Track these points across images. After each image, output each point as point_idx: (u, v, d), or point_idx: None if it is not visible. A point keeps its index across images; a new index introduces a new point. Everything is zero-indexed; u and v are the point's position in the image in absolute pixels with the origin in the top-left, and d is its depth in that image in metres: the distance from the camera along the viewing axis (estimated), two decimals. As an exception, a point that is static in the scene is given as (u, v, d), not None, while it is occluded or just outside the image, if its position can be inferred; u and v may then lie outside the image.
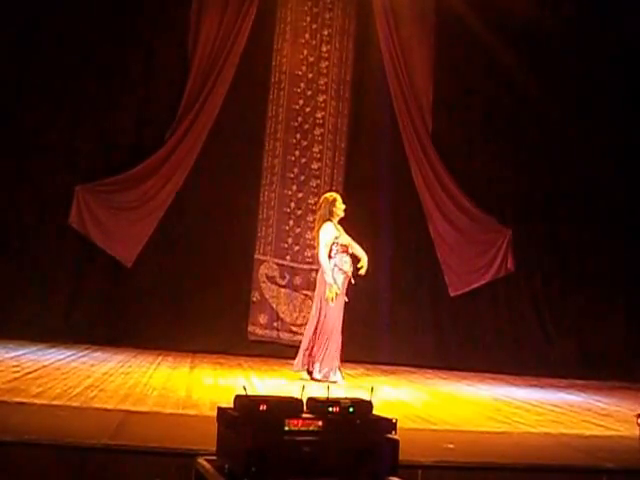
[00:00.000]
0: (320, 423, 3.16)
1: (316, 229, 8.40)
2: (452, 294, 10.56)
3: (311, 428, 3.15)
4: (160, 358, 8.99)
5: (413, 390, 8.10)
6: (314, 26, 10.67)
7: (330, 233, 8.21)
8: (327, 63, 10.69)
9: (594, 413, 7.13)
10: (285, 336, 10.31)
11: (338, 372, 8.13)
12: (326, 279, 8.15)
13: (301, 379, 7.94)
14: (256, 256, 10.42)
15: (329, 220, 8.25)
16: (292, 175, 10.57)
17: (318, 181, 10.61)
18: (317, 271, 8.89)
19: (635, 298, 10.74)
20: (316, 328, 8.19)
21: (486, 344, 10.54)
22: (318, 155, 10.62)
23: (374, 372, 9.42)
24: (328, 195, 8.56)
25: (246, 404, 3.19)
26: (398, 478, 3.23)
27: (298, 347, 8.53)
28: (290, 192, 10.56)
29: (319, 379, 8.00)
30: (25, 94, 9.79)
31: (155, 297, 10.11)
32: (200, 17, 10.25)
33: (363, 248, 8.40)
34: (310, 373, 8.16)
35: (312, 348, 8.18)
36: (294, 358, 8.61)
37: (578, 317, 10.81)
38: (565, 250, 10.90)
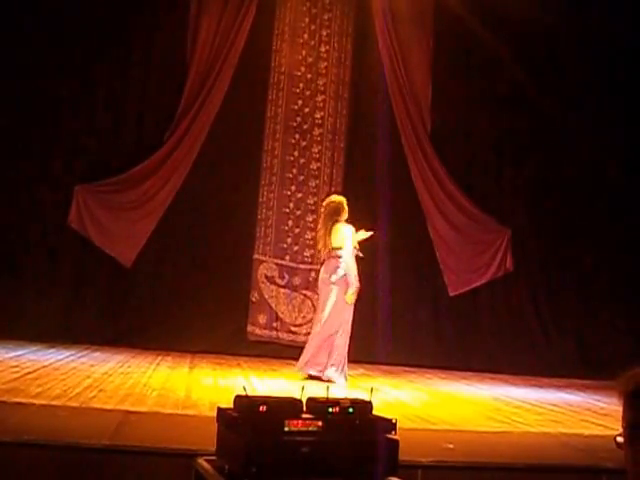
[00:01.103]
0: (320, 424, 3.16)
1: (331, 231, 8.26)
2: (451, 294, 10.57)
3: (311, 429, 3.15)
4: (159, 358, 8.98)
5: (412, 390, 8.10)
6: (313, 27, 10.67)
7: (352, 232, 8.24)
8: (326, 63, 10.68)
9: (593, 412, 7.13)
10: (284, 336, 10.31)
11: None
12: (351, 281, 8.12)
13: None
14: (255, 256, 10.42)
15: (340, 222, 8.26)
16: (291, 175, 10.57)
17: (317, 181, 10.61)
18: (316, 271, 8.90)
19: (635, 298, 10.73)
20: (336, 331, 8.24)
21: (485, 344, 10.54)
22: (317, 155, 10.62)
23: (374, 372, 9.42)
24: (336, 199, 8.50)
25: (246, 404, 3.19)
26: (398, 478, 3.23)
27: (297, 347, 8.54)
28: (289, 192, 10.56)
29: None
30: (25, 94, 9.77)
31: (154, 297, 10.11)
32: (199, 17, 10.25)
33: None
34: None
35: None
36: (293, 358, 8.62)
37: (577, 316, 10.81)
38: (564, 250, 10.90)
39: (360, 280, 8.31)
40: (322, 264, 8.55)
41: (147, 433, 4.77)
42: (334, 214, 8.30)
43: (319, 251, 8.55)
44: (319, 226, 8.63)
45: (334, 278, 8.22)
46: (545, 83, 10.80)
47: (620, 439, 2.02)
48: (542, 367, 10.32)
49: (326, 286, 8.30)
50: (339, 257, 8.22)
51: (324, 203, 8.67)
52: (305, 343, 8.76)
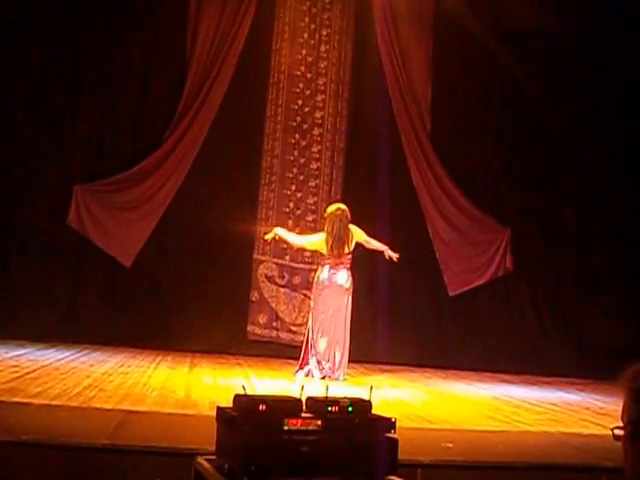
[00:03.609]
0: (319, 423, 3.16)
1: (349, 237, 8.47)
2: (451, 294, 10.57)
3: (310, 428, 3.15)
4: (159, 358, 8.98)
5: (412, 389, 8.11)
6: (313, 26, 10.67)
7: None
8: (326, 63, 10.69)
9: (593, 412, 7.13)
10: (284, 336, 10.31)
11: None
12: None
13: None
14: (255, 256, 10.42)
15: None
16: (291, 175, 10.57)
17: (317, 181, 10.61)
18: (315, 271, 8.92)
19: (634, 297, 10.74)
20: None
21: (485, 343, 10.54)
22: (317, 155, 10.62)
23: (373, 371, 9.43)
24: (342, 206, 8.59)
25: (245, 404, 3.19)
26: (397, 477, 3.23)
27: (297, 347, 8.57)
28: (289, 192, 10.56)
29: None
30: (24, 94, 9.78)
31: (154, 297, 10.11)
32: (199, 17, 10.25)
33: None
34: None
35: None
36: (293, 357, 8.64)
37: (577, 316, 10.82)
38: (564, 249, 10.90)
39: (357, 280, 8.67)
40: (331, 267, 8.55)
41: (147, 432, 4.78)
42: (348, 221, 8.47)
43: (331, 255, 8.53)
44: (333, 232, 8.48)
45: (349, 284, 8.54)
46: (545, 83, 10.80)
47: (618, 432, 1.99)
48: (541, 366, 10.33)
49: (344, 292, 8.52)
50: (349, 263, 8.54)
51: (338, 211, 8.53)
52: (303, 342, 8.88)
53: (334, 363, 8.37)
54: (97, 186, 9.92)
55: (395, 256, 8.76)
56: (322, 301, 8.52)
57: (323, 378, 8.17)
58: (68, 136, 9.94)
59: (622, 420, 1.99)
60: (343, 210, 8.54)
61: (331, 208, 8.69)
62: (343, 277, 8.51)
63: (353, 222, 8.58)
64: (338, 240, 8.45)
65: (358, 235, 8.57)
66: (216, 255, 10.19)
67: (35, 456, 4.12)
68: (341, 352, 8.44)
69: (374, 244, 8.77)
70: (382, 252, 8.82)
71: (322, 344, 8.43)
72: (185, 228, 10.20)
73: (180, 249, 10.20)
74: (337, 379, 8.24)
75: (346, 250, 8.51)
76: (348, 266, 8.56)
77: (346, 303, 8.53)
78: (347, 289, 8.53)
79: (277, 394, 3.91)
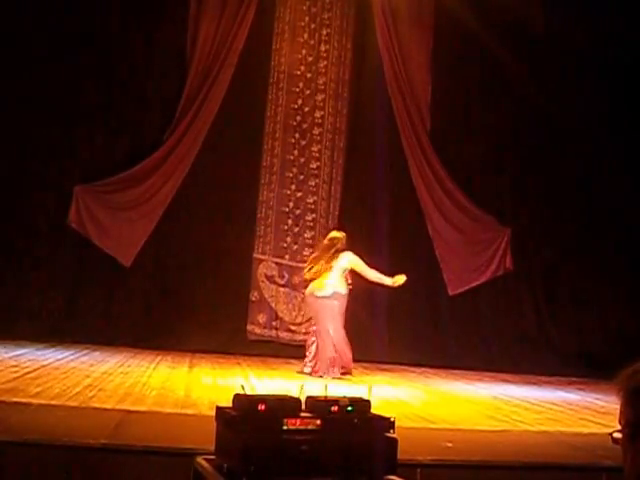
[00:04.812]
0: (318, 422, 3.16)
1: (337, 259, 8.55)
2: (451, 293, 10.57)
3: (309, 427, 3.15)
4: (159, 358, 8.98)
5: (412, 389, 8.11)
6: (313, 26, 10.68)
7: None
8: (325, 63, 10.69)
9: (593, 411, 7.14)
10: (284, 335, 10.32)
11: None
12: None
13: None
14: (255, 255, 10.42)
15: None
16: (291, 174, 10.57)
17: (317, 180, 10.61)
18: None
19: (635, 297, 10.73)
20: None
21: (485, 343, 10.54)
22: (317, 154, 10.62)
23: (373, 371, 9.43)
24: (340, 235, 8.70)
25: (245, 403, 3.19)
26: (397, 477, 3.23)
27: (296, 346, 8.58)
28: (289, 191, 10.56)
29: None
30: (25, 94, 9.77)
31: (154, 296, 10.12)
32: (199, 17, 10.26)
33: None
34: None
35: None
36: (292, 357, 8.66)
37: (577, 315, 10.82)
38: (564, 249, 10.90)
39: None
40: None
41: (146, 432, 4.78)
42: (336, 249, 8.59)
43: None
44: (323, 258, 8.66)
45: (341, 288, 8.62)
46: (545, 82, 10.80)
47: (617, 435, 1.99)
48: (541, 366, 10.33)
49: (337, 297, 8.59)
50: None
51: (328, 242, 8.74)
52: (304, 342, 8.93)
53: (347, 362, 8.49)
54: (97, 186, 9.93)
55: (403, 279, 8.75)
56: (321, 310, 8.60)
57: (334, 378, 8.22)
58: (68, 136, 9.94)
59: (619, 423, 1.99)
60: (334, 239, 8.65)
61: (329, 235, 8.89)
62: (333, 283, 8.58)
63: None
64: (323, 265, 8.58)
65: (353, 263, 8.62)
66: (216, 255, 10.19)
67: (35, 456, 4.12)
68: (348, 350, 8.55)
69: (372, 276, 8.73)
70: (387, 285, 8.83)
71: (330, 347, 8.48)
72: (185, 228, 10.20)
73: (180, 249, 10.21)
74: (350, 375, 8.41)
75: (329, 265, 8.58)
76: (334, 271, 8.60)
77: (341, 305, 8.60)
78: (341, 294, 8.58)
79: (276, 394, 3.91)
